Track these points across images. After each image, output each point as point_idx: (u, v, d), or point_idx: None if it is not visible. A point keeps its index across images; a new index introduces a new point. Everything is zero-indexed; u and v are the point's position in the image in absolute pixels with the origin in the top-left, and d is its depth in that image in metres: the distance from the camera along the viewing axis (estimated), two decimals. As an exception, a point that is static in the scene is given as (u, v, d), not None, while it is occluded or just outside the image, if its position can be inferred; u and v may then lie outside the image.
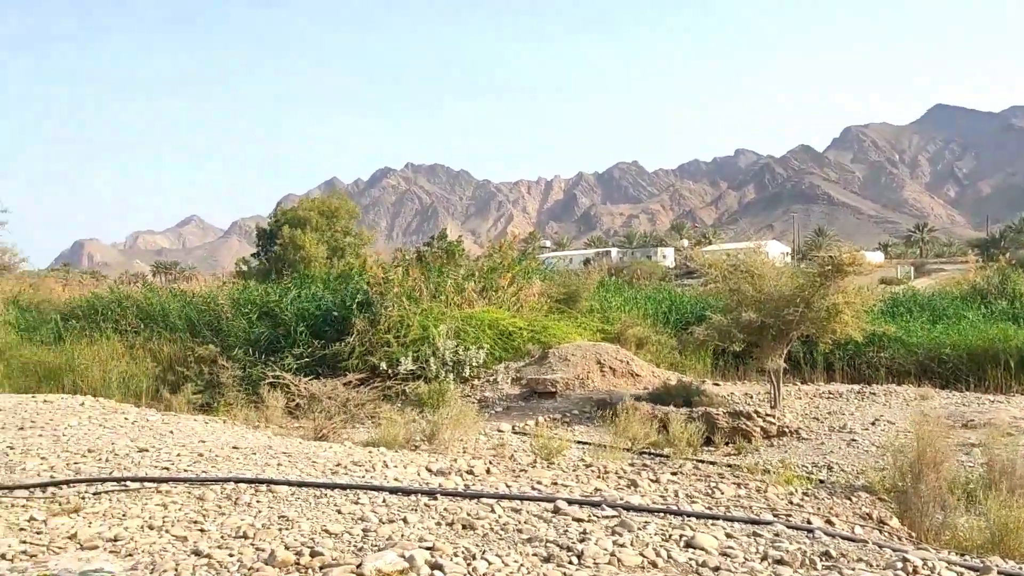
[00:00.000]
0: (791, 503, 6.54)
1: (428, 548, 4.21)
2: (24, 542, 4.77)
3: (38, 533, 4.97)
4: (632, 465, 8.06)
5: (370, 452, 7.47)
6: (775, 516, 5.72)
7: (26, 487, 6.12)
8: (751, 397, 13.02)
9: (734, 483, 7.02)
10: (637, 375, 13.97)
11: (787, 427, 10.47)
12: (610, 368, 13.95)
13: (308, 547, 4.31)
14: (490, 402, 13.23)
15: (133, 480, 6.03)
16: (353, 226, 33.18)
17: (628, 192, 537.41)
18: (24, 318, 18.47)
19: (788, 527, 5.11)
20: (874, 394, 12.98)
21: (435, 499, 5.49)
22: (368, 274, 16.73)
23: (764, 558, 4.40)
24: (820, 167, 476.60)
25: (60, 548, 4.62)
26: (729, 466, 8.57)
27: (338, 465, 6.63)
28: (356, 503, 5.37)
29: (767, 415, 10.50)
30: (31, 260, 19.27)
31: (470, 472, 6.79)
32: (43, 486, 6.12)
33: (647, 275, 48.82)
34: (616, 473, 7.33)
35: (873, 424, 10.76)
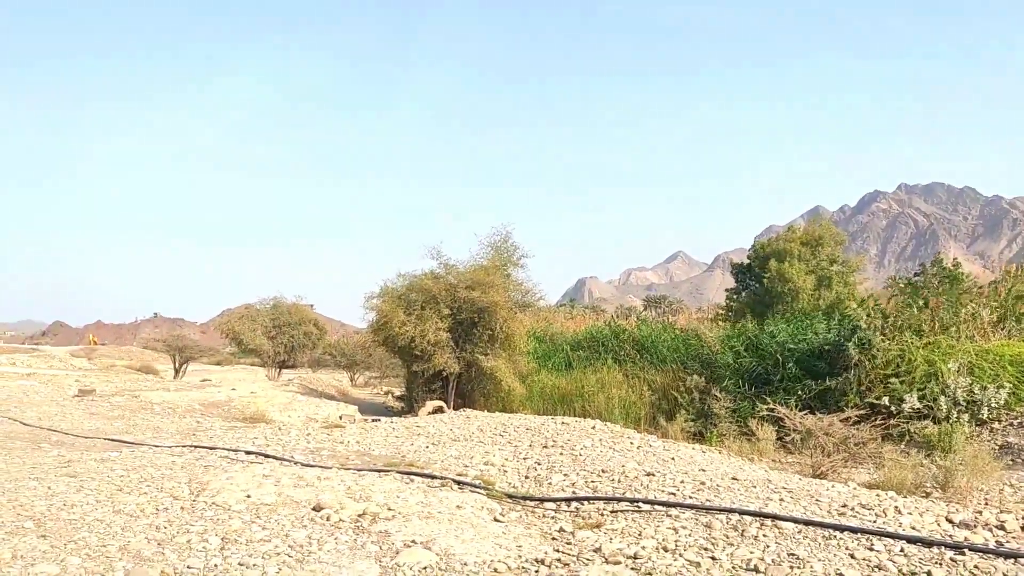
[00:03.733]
0: None
1: (963, 611, 3.77)
2: (558, 551, 5.36)
3: (568, 544, 5.56)
4: None
5: (877, 495, 6.96)
6: None
7: (554, 500, 6.90)
8: None
9: None
10: None
11: None
12: None
13: (823, 591, 4.15)
14: (1014, 449, 11.56)
15: (645, 502, 6.43)
16: (839, 254, 31.61)
17: None
18: (540, 348, 20.96)
19: None
20: None
21: (962, 554, 4.91)
22: (866, 306, 15.79)
23: None
24: None
25: (588, 560, 5.10)
26: None
27: (844, 506, 6.29)
28: (870, 549, 5.03)
29: None
30: (546, 298, 21.74)
31: (1000, 527, 5.94)
32: (568, 500, 6.84)
33: None
34: None
35: None
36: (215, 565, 4.83)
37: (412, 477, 7.80)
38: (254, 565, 4.85)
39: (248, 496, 6.55)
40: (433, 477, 7.81)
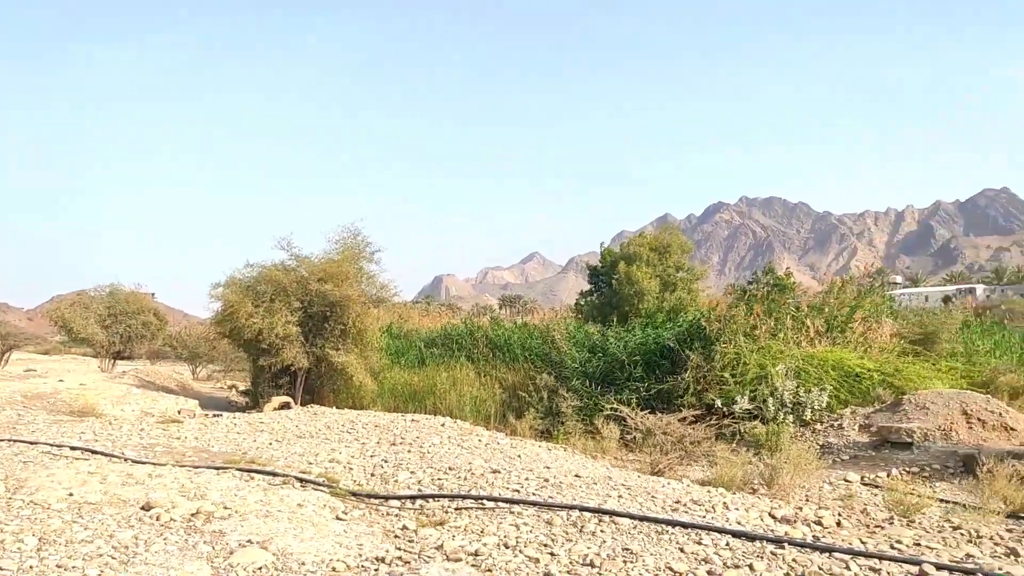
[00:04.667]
0: None
1: (778, 601, 4.01)
2: (399, 549, 5.32)
3: (410, 542, 5.53)
4: (1011, 531, 7.04)
5: (709, 492, 7.32)
6: None
7: (399, 498, 6.85)
8: None
9: None
10: (1012, 429, 12.23)
11: None
12: (978, 419, 12.37)
13: (654, 584, 4.31)
14: (834, 449, 12.36)
15: (489, 499, 6.49)
16: (685, 261, 33.07)
17: (996, 222, 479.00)
18: (394, 345, 20.79)
19: None
20: None
21: (782, 548, 5.23)
22: (706, 310, 16.58)
23: None
24: None
25: (429, 558, 5.09)
26: None
27: (677, 502, 6.58)
28: (699, 543, 5.28)
29: None
30: (401, 294, 21.50)
31: (818, 523, 6.38)
32: (412, 498, 6.81)
33: (1022, 315, 42.72)
34: (991, 539, 6.45)
35: None
36: (30, 567, 4.51)
37: (252, 475, 7.55)
38: (73, 567, 4.55)
39: (71, 494, 6.14)
40: (275, 475, 7.59)
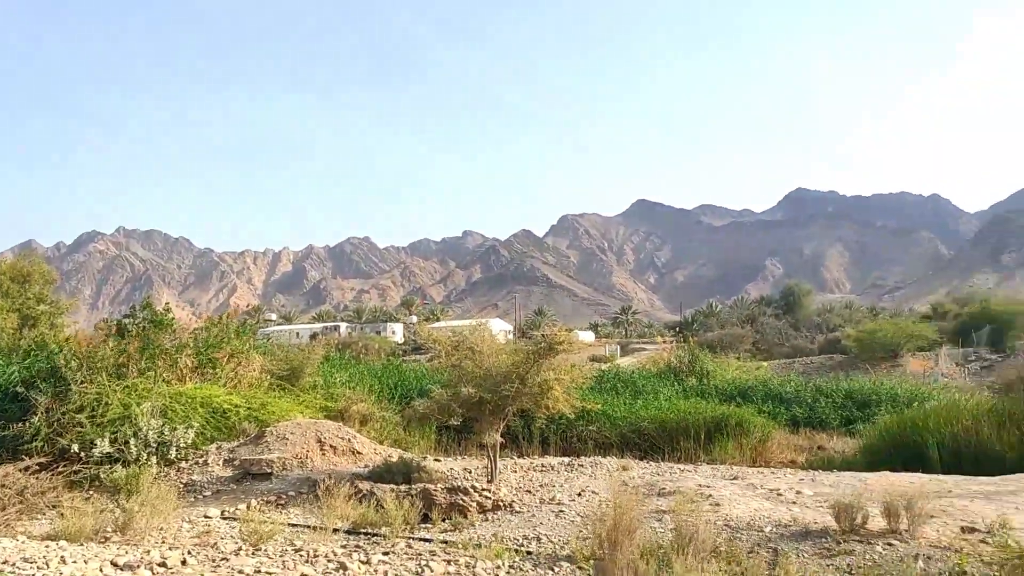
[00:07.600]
0: (498, 577, 6.68)
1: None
2: None
3: None
4: (344, 547, 7.85)
5: (47, 547, 6.63)
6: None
7: None
8: (470, 472, 13.22)
9: (444, 560, 7.05)
10: (359, 453, 13.74)
11: (502, 501, 10.69)
12: (331, 446, 13.61)
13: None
14: (198, 486, 12.33)
15: None
16: (49, 293, 30.09)
17: (359, 267, 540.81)
18: None
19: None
20: (582, 466, 13.72)
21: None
22: (66, 346, 15.15)
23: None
24: (540, 251, 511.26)
25: None
26: (444, 543, 8.59)
27: (4, 563, 5.81)
28: (22, 607, 4.73)
29: (483, 489, 10.67)
30: None
31: (162, 565, 6.25)
32: None
33: (376, 350, 48.81)
34: (326, 556, 7.09)
35: (580, 495, 11.30)
36: None
37: None
38: None
39: None
40: None
